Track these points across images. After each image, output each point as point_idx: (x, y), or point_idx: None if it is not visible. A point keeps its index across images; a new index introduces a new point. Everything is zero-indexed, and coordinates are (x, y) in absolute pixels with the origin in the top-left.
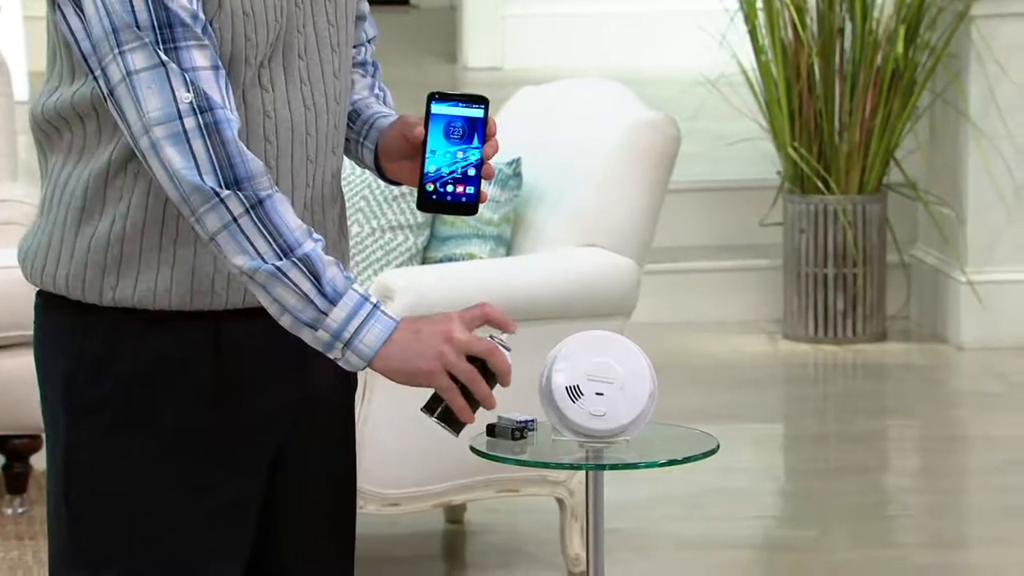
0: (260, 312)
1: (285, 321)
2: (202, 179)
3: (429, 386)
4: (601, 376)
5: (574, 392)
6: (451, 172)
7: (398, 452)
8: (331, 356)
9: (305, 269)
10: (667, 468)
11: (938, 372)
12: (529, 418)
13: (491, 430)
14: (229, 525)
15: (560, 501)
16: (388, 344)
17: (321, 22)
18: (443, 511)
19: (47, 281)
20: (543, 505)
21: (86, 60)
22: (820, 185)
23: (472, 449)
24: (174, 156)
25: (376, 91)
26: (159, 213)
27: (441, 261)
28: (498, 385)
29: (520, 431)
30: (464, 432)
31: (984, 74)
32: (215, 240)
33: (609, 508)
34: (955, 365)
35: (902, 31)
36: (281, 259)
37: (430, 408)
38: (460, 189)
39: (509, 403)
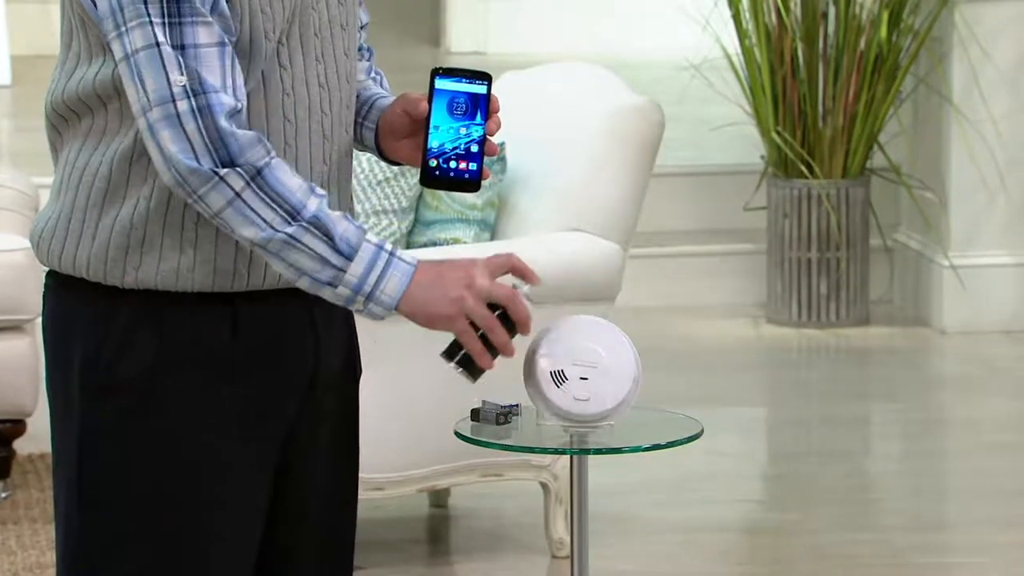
0: (276, 293)
1: (303, 284)
2: (198, 161)
3: (448, 330)
4: (585, 361)
5: (558, 377)
6: (454, 148)
7: (382, 436)
8: (352, 309)
9: (316, 231)
10: (651, 452)
11: (921, 356)
12: (513, 403)
13: (475, 415)
14: (242, 508)
15: (544, 485)
16: (409, 289)
17: (332, 1)
18: (427, 495)
19: (65, 263)
20: (527, 489)
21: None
22: (804, 169)
23: (456, 434)
24: (169, 139)
25: (373, 75)
26: None
27: (425, 246)
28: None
29: (504, 416)
30: (481, 379)
31: (967, 58)
32: (220, 217)
33: (593, 492)
34: (938, 349)
35: (885, 15)
36: (290, 224)
37: (449, 353)
38: (463, 165)
39: (493, 388)
